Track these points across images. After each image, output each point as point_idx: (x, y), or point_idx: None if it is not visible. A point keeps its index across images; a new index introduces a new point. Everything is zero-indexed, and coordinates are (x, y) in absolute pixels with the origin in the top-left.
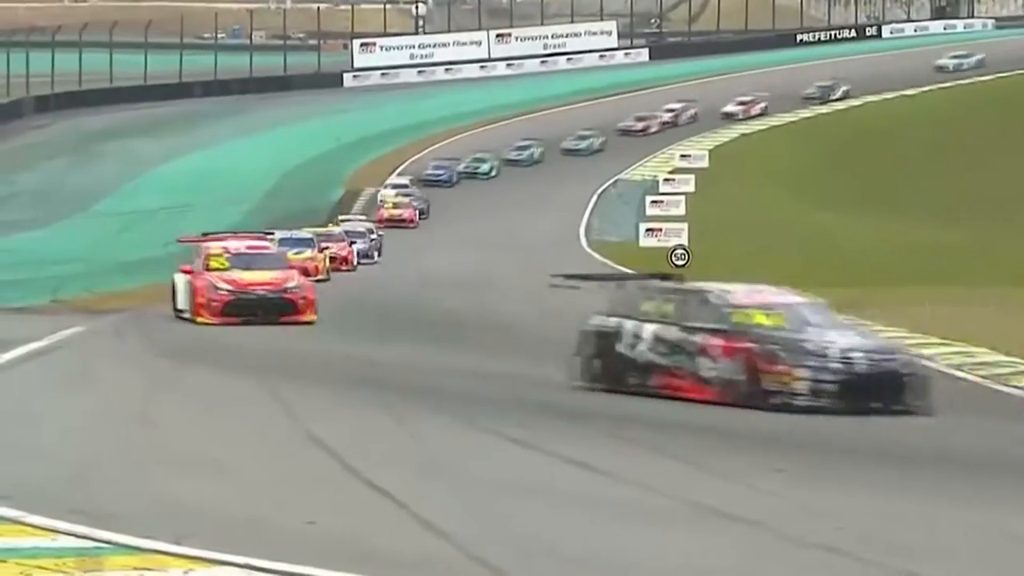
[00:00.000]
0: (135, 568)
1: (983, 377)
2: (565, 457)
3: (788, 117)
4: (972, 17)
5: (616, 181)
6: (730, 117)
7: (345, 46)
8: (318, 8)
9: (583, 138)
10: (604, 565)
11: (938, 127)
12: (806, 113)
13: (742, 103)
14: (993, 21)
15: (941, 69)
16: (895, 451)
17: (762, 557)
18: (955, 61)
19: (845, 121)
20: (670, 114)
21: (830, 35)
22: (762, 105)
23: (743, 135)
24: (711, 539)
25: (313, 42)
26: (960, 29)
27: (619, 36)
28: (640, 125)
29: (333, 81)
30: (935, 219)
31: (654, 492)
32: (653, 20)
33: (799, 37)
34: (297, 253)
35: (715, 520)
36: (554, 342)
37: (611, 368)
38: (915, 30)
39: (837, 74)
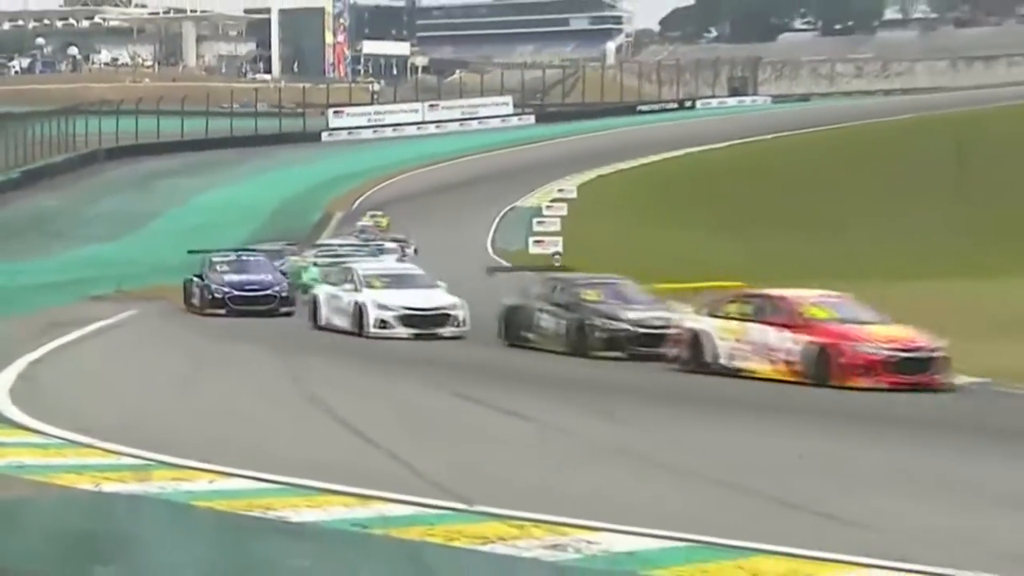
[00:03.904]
0: (173, 479)
1: None
2: (506, 410)
3: (633, 163)
4: (756, 95)
5: (513, 207)
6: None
7: (322, 113)
8: (303, 87)
9: None
10: (536, 492)
11: (737, 173)
12: (646, 160)
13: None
14: (770, 97)
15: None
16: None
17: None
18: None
19: (672, 167)
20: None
21: (660, 106)
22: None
23: (600, 176)
24: (628, 474)
25: (300, 110)
26: (748, 103)
27: (514, 106)
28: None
29: (314, 138)
30: (719, 235)
31: (577, 436)
32: (538, 95)
33: (639, 107)
34: None
35: (632, 460)
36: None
37: None
38: (718, 103)
39: (663, 134)
